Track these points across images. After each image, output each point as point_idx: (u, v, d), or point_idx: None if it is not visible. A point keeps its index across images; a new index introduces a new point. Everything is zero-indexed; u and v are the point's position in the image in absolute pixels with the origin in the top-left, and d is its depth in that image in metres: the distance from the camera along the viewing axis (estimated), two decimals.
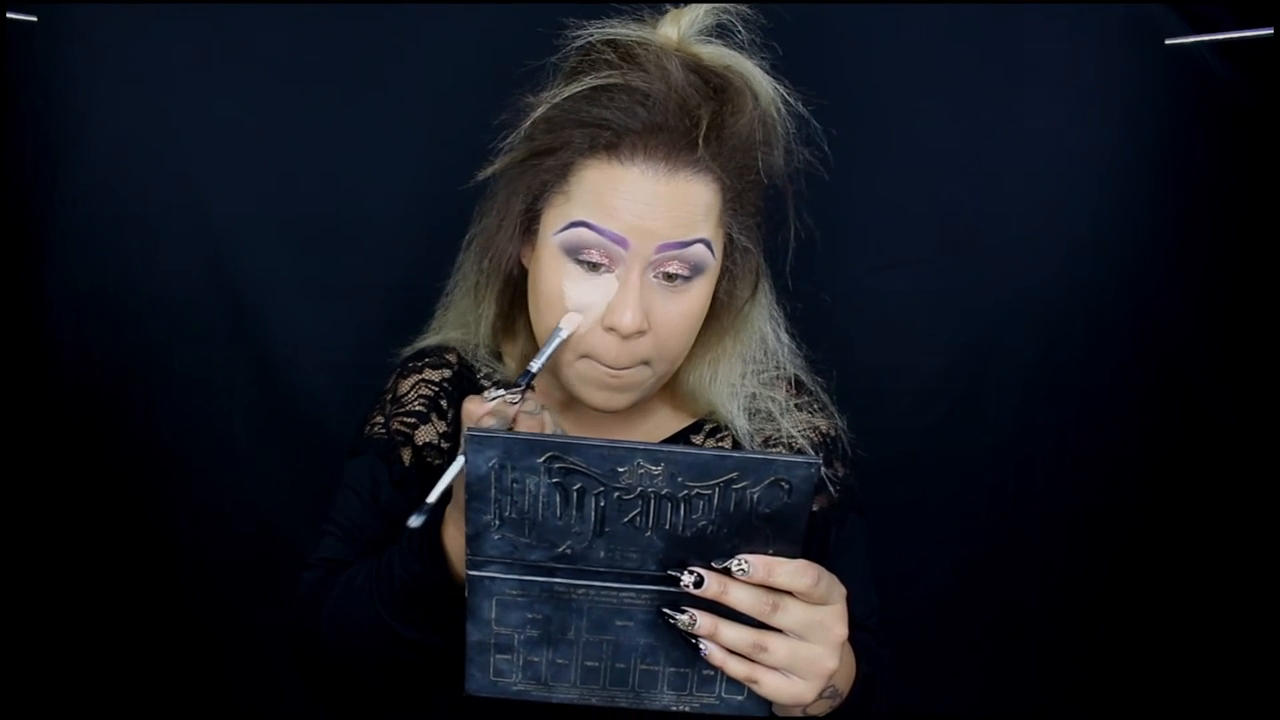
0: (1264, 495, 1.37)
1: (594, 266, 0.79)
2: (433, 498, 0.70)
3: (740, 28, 0.84)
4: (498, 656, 0.70)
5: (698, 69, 0.79)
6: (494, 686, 0.71)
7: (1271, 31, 1.28)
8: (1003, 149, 1.44)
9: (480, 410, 0.73)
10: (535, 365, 0.79)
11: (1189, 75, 1.38)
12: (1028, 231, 1.46)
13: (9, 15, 1.31)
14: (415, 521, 0.70)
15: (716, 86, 0.80)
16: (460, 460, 0.71)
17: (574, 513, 0.65)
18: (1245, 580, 1.42)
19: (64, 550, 1.46)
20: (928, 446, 1.53)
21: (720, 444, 0.95)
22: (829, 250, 1.41)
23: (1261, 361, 1.37)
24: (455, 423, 0.95)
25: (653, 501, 0.64)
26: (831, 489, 0.95)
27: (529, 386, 0.76)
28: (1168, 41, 1.37)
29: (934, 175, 1.45)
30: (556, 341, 0.80)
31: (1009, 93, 1.43)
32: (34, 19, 1.32)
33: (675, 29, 0.82)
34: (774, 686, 0.67)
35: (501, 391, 0.74)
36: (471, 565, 0.68)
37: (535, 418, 0.74)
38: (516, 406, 0.74)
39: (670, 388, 0.93)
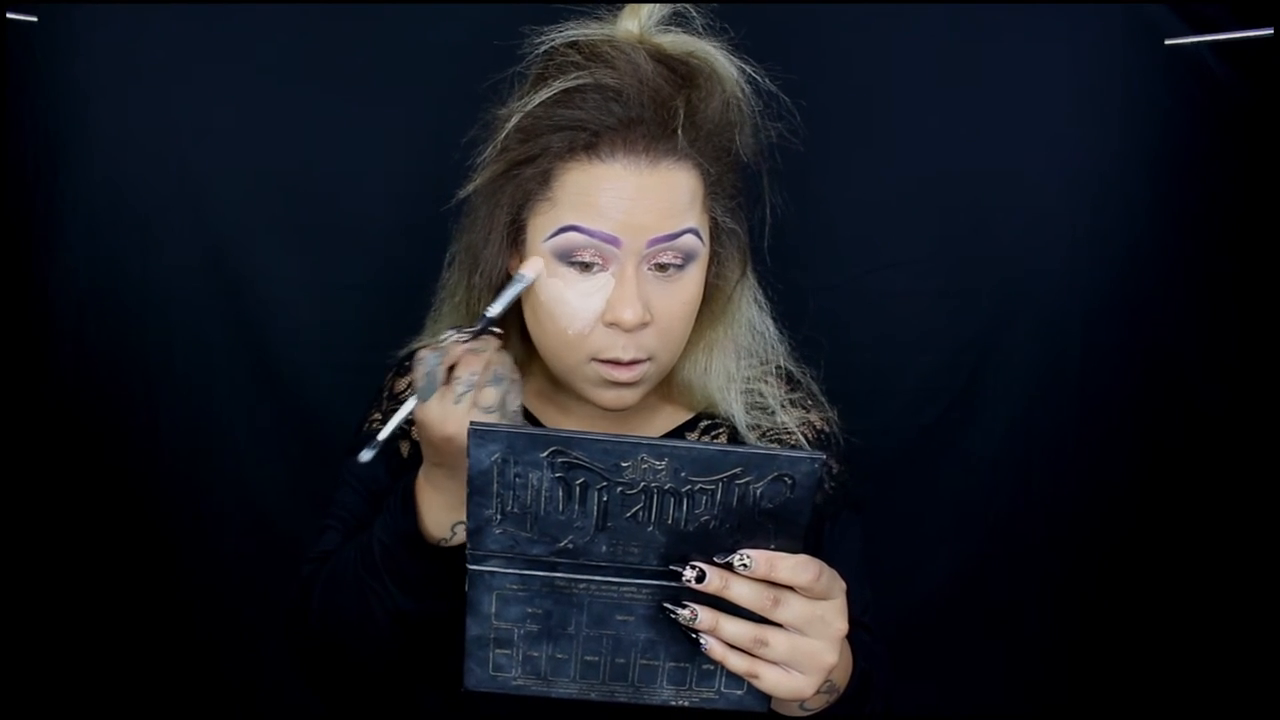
0: (1262, 495, 1.37)
1: (587, 266, 0.80)
2: (384, 435, 0.76)
3: (694, 13, 0.84)
4: (497, 651, 0.70)
5: (664, 59, 0.80)
6: (493, 681, 0.71)
7: (1271, 31, 1.29)
8: (1002, 149, 1.44)
9: (427, 352, 0.75)
10: (493, 310, 0.79)
11: (1189, 75, 1.38)
12: (1027, 231, 1.47)
13: (9, 15, 1.31)
14: (366, 456, 0.77)
15: (684, 74, 0.80)
16: (414, 400, 0.75)
17: (576, 507, 0.65)
18: (1244, 579, 1.42)
19: (64, 549, 1.46)
20: (926, 445, 1.53)
21: (716, 440, 0.95)
22: (828, 250, 1.44)
23: (1261, 362, 1.37)
24: None
25: (655, 496, 0.64)
26: (826, 484, 0.94)
27: (484, 330, 0.78)
28: (1168, 41, 1.37)
29: (933, 175, 1.45)
30: (519, 287, 0.80)
31: (1009, 92, 1.43)
32: (34, 19, 1.32)
33: (635, 23, 0.82)
34: (774, 681, 0.67)
35: (452, 332, 0.77)
36: (472, 560, 0.68)
37: (480, 354, 0.76)
38: (463, 346, 0.76)
39: (666, 383, 0.93)
